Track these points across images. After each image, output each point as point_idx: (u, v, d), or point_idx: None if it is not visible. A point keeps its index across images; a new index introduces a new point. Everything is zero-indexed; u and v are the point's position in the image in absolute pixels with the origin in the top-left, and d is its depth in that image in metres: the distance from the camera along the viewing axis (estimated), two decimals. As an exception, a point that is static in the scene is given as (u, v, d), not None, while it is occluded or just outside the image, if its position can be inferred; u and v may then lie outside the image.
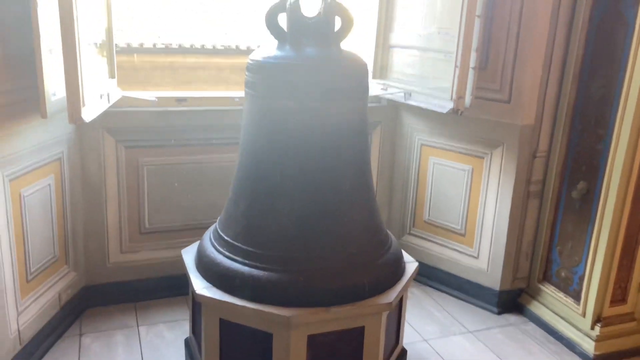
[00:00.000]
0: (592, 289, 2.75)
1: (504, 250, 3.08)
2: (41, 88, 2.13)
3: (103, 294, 3.02)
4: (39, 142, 2.45)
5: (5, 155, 2.24)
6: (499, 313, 3.18)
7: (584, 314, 2.80)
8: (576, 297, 2.86)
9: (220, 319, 2.13)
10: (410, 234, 3.53)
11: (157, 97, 2.82)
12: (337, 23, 2.16)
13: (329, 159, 2.13)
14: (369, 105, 3.19)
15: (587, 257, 2.76)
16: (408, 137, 3.43)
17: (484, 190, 3.12)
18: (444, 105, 2.74)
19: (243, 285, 2.08)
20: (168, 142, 2.99)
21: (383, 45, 3.26)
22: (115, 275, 3.04)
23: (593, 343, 2.75)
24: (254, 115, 2.17)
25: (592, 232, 2.73)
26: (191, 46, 3.18)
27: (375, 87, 3.28)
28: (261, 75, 2.11)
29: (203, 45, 3.22)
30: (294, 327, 2.02)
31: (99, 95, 2.47)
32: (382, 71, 3.30)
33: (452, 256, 3.33)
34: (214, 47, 3.25)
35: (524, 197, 3.05)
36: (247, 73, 2.19)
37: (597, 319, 2.77)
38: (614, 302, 2.78)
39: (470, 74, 2.69)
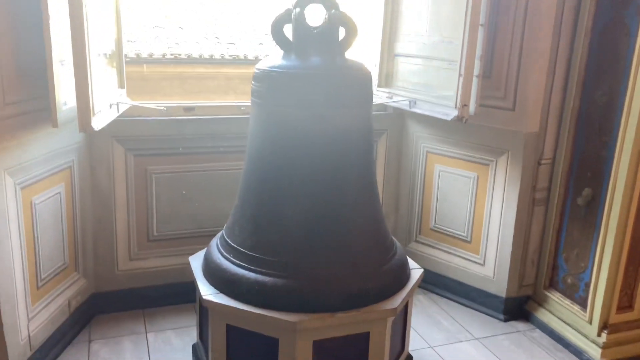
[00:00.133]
0: (598, 295, 2.74)
1: (509, 257, 3.09)
2: (52, 98, 2.18)
3: (112, 300, 3.06)
4: (49, 151, 2.50)
5: (17, 163, 2.29)
6: (506, 320, 3.18)
7: (590, 321, 2.80)
8: (582, 303, 2.86)
9: (227, 325, 2.16)
10: (416, 241, 3.54)
11: (165, 107, 2.86)
12: (342, 33, 2.20)
13: (333, 166, 2.16)
14: (375, 113, 3.24)
15: (593, 264, 2.76)
16: (414, 145, 3.46)
17: (490, 197, 3.13)
18: (449, 113, 2.76)
19: (249, 290, 2.10)
20: (176, 151, 3.04)
21: (388, 54, 3.30)
22: (124, 283, 3.08)
23: (600, 350, 2.74)
24: (260, 123, 2.21)
25: (597, 239, 2.73)
26: (200, 56, 3.22)
27: (380, 96, 3.31)
28: (267, 83, 2.15)
29: (212, 56, 3.25)
30: (299, 332, 2.04)
31: (109, 104, 2.52)
32: (387, 80, 3.33)
33: (458, 263, 3.34)
34: (222, 57, 3.29)
35: (530, 204, 3.06)
36: (253, 82, 2.23)
37: (604, 326, 2.76)
38: (621, 308, 2.77)
39: (474, 82, 2.72)
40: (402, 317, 2.45)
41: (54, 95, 2.18)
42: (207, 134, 3.06)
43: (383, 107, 3.43)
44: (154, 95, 3.10)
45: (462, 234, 3.30)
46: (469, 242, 3.28)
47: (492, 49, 2.92)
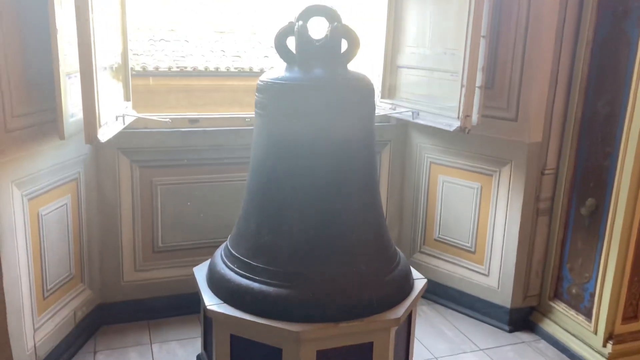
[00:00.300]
0: (603, 306, 2.73)
1: (514, 267, 3.09)
2: (60, 111, 2.22)
3: (117, 311, 3.07)
4: (56, 163, 2.53)
5: (25, 175, 2.32)
6: (511, 331, 3.16)
7: (595, 332, 2.78)
8: (587, 314, 2.85)
9: (231, 335, 2.17)
10: (421, 251, 3.55)
11: (170, 118, 2.89)
12: (344, 45, 2.22)
13: (337, 177, 2.18)
14: (378, 124, 3.27)
15: (598, 274, 2.76)
16: (417, 156, 3.47)
17: (493, 207, 3.13)
18: (452, 123, 2.78)
19: (253, 301, 2.11)
20: (181, 162, 3.06)
21: (391, 66, 3.32)
22: (129, 294, 3.09)
23: (605, 361, 2.74)
24: (264, 134, 2.23)
25: (601, 249, 2.73)
26: (206, 69, 3.27)
27: (383, 107, 3.33)
28: (270, 95, 2.18)
29: (217, 68, 3.30)
30: (303, 342, 2.05)
31: (115, 117, 2.55)
32: (390, 91, 3.36)
33: (462, 274, 3.34)
34: (227, 69, 3.33)
35: (533, 214, 3.06)
36: (256, 94, 2.25)
37: (609, 337, 2.75)
38: (626, 319, 2.76)
39: (477, 93, 2.74)
40: (406, 328, 2.45)
41: (61, 107, 2.21)
42: (212, 145, 3.08)
43: (386, 118, 3.46)
44: (160, 107, 3.14)
45: (466, 244, 3.30)
46: (473, 252, 3.28)
47: (494, 59, 2.94)
